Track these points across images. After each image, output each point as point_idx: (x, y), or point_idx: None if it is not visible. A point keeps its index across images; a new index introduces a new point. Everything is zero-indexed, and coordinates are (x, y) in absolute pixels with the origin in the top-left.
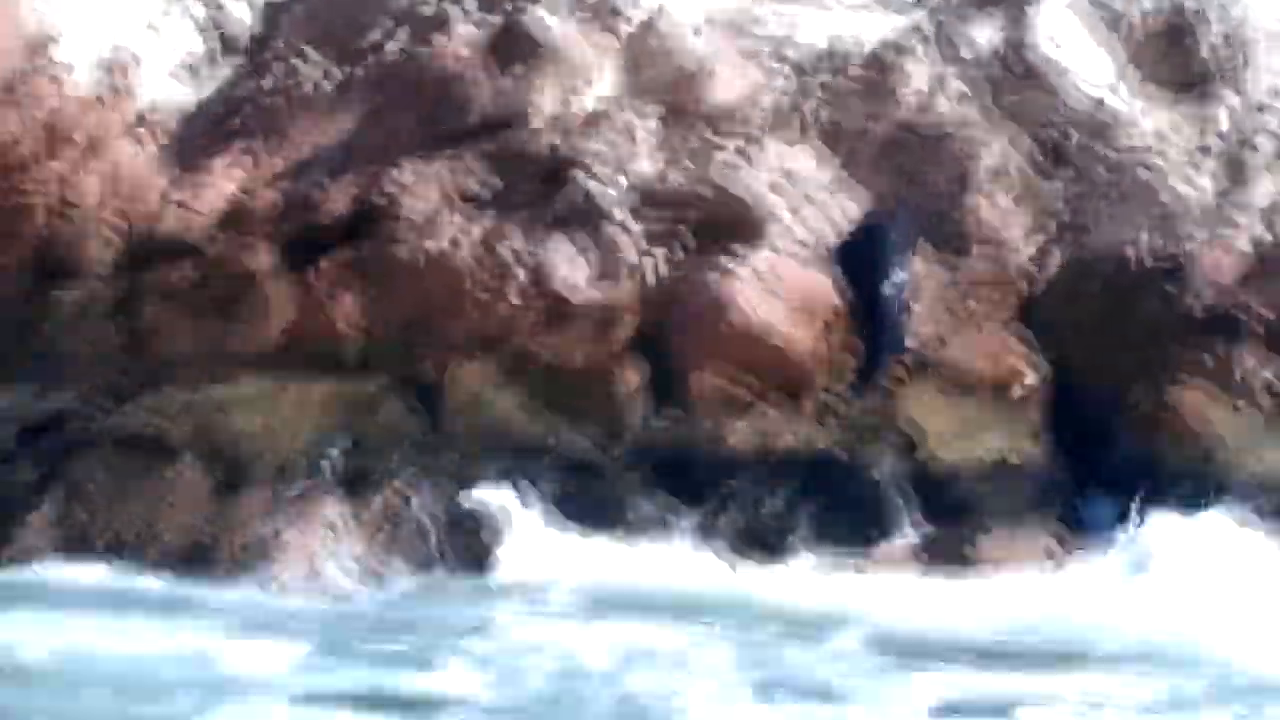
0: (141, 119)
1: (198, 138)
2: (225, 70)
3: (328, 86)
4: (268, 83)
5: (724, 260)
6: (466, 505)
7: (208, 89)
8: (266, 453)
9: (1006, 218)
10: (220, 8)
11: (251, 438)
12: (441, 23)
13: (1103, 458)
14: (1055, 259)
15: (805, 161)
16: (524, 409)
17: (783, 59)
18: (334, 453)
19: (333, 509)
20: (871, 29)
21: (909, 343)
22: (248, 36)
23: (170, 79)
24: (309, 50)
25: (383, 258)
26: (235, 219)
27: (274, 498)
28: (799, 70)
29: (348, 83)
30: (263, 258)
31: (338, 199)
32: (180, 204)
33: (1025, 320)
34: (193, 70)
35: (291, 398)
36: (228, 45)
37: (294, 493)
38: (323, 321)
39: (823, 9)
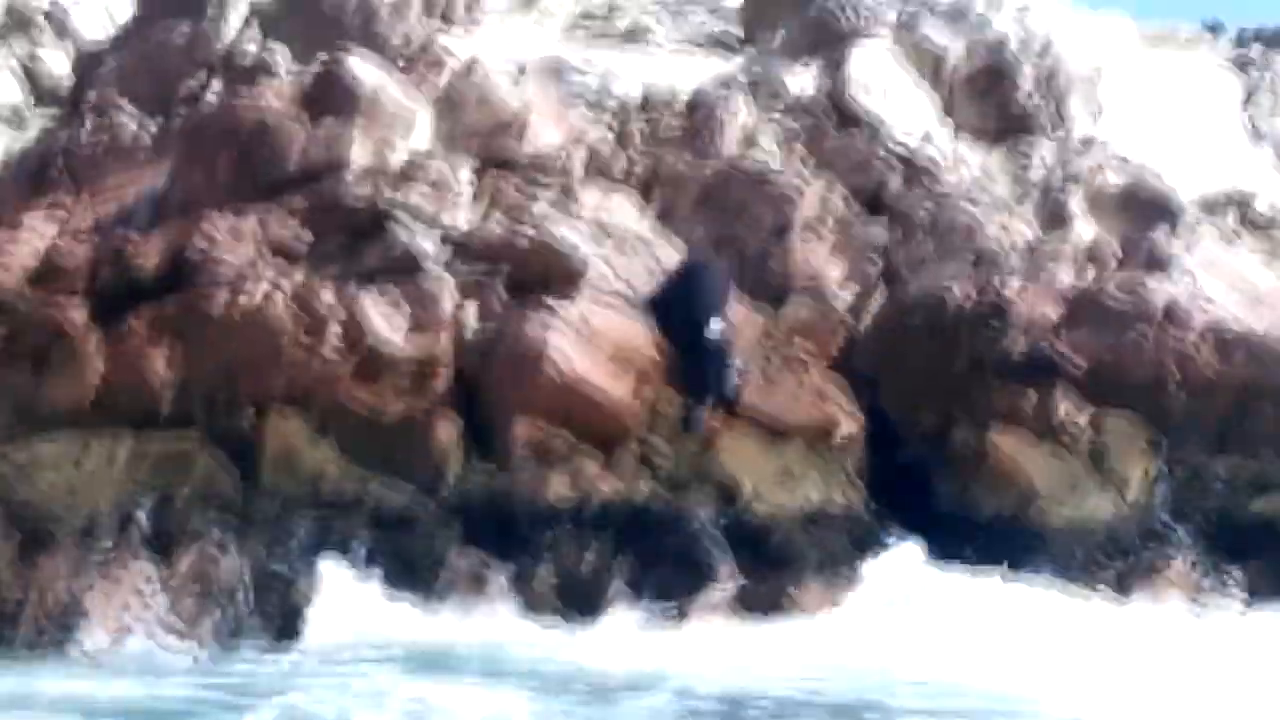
0: None
1: (11, 190)
2: (42, 120)
3: (144, 138)
4: (83, 134)
5: (539, 310)
6: (275, 566)
7: (24, 140)
8: (70, 513)
9: (826, 263)
10: (36, 57)
11: (54, 497)
12: (257, 72)
13: (920, 504)
14: (875, 303)
15: (624, 209)
16: (339, 462)
17: (601, 106)
18: (141, 513)
19: (140, 571)
20: (689, 76)
21: (730, 390)
22: (64, 87)
23: None
24: (123, 102)
25: (196, 311)
26: (47, 274)
27: (80, 560)
28: (618, 117)
29: (163, 134)
30: (74, 313)
31: (151, 252)
32: None
33: (846, 365)
34: (8, 120)
35: (96, 455)
36: (43, 96)
37: (99, 555)
38: (136, 376)
39: (645, 54)
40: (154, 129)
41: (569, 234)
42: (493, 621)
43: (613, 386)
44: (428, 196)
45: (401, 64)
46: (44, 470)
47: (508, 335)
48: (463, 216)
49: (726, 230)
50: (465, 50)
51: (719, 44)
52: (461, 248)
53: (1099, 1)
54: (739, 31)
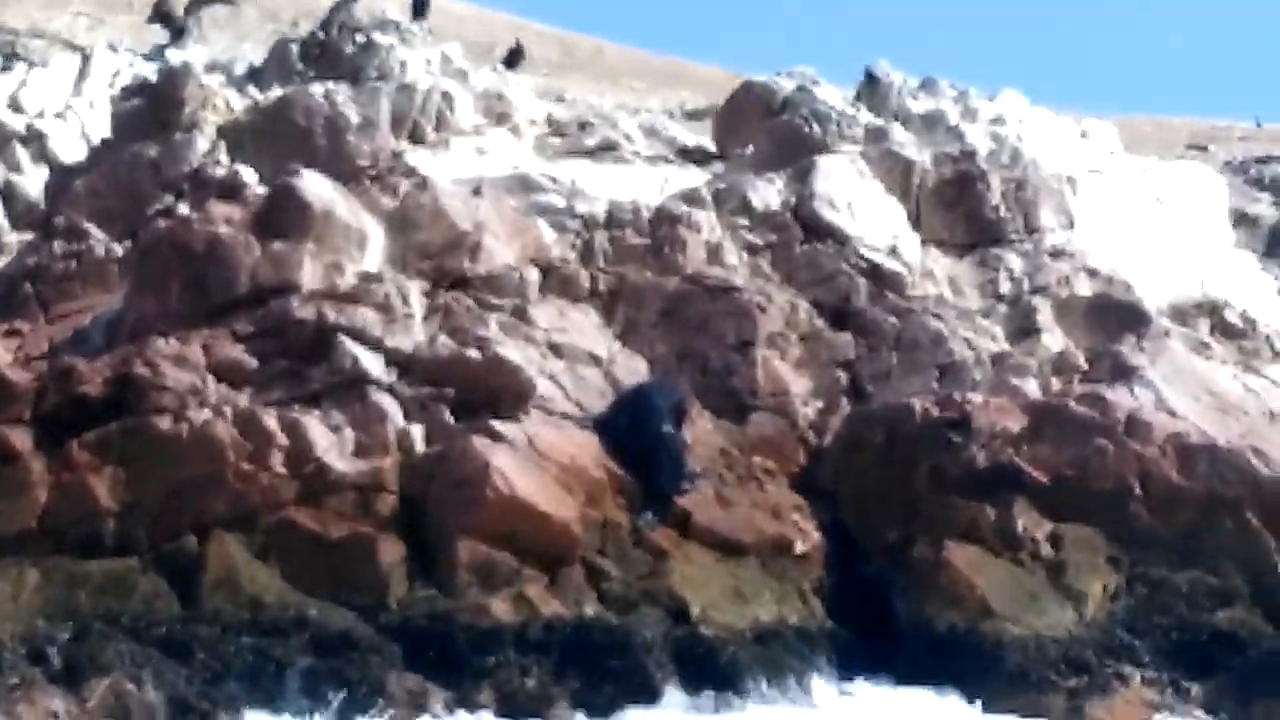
0: None
1: None
2: (19, 243)
3: (112, 259)
4: (52, 256)
5: (483, 432)
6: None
7: (6, 256)
8: None
9: (790, 377)
10: (12, 180)
11: None
12: (224, 192)
13: (879, 620)
14: (839, 417)
15: (583, 327)
16: (281, 586)
17: (563, 223)
18: (60, 639)
19: (54, 700)
20: (657, 190)
21: (687, 484)
22: (41, 209)
23: None
24: (91, 224)
25: (140, 435)
26: None
27: None
28: (581, 234)
29: (129, 255)
30: (18, 438)
31: (96, 377)
32: None
33: (809, 480)
34: None
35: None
36: (19, 218)
37: (11, 682)
38: (79, 502)
39: (615, 168)
40: (121, 250)
41: (516, 354)
42: None
43: (557, 506)
44: (376, 317)
45: (365, 183)
46: None
47: (451, 456)
48: (411, 337)
49: (689, 344)
50: (433, 168)
51: (691, 158)
52: (408, 368)
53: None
54: (712, 146)
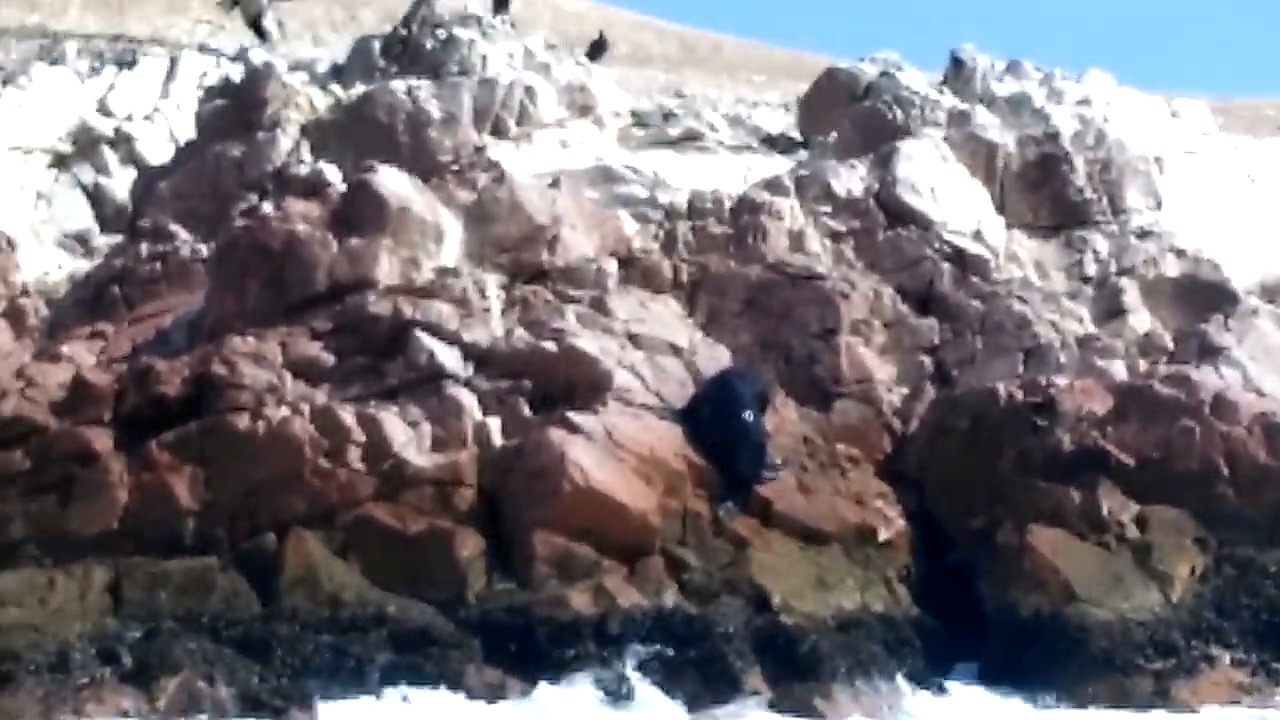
0: (25, 291)
1: (70, 316)
2: (108, 245)
3: (197, 260)
4: (138, 258)
5: (561, 423)
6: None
7: (97, 259)
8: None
9: (874, 364)
10: (102, 183)
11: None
12: (297, 190)
13: (965, 607)
14: (924, 403)
15: (663, 317)
16: (359, 582)
17: (645, 214)
18: (130, 638)
19: (125, 698)
20: (740, 179)
21: (768, 473)
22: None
23: (58, 249)
24: (177, 224)
25: (218, 434)
26: (73, 401)
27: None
28: (664, 224)
29: (209, 255)
30: (99, 440)
31: (175, 377)
32: (27, 383)
33: (894, 467)
34: (74, 247)
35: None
36: (108, 220)
37: (81, 682)
38: (159, 502)
39: (698, 158)
40: (206, 251)
41: (592, 346)
42: None
43: (635, 497)
44: (452, 311)
45: (434, 174)
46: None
47: (528, 449)
48: (488, 331)
49: (772, 333)
50: (515, 162)
51: (776, 146)
52: (485, 362)
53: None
54: (796, 134)
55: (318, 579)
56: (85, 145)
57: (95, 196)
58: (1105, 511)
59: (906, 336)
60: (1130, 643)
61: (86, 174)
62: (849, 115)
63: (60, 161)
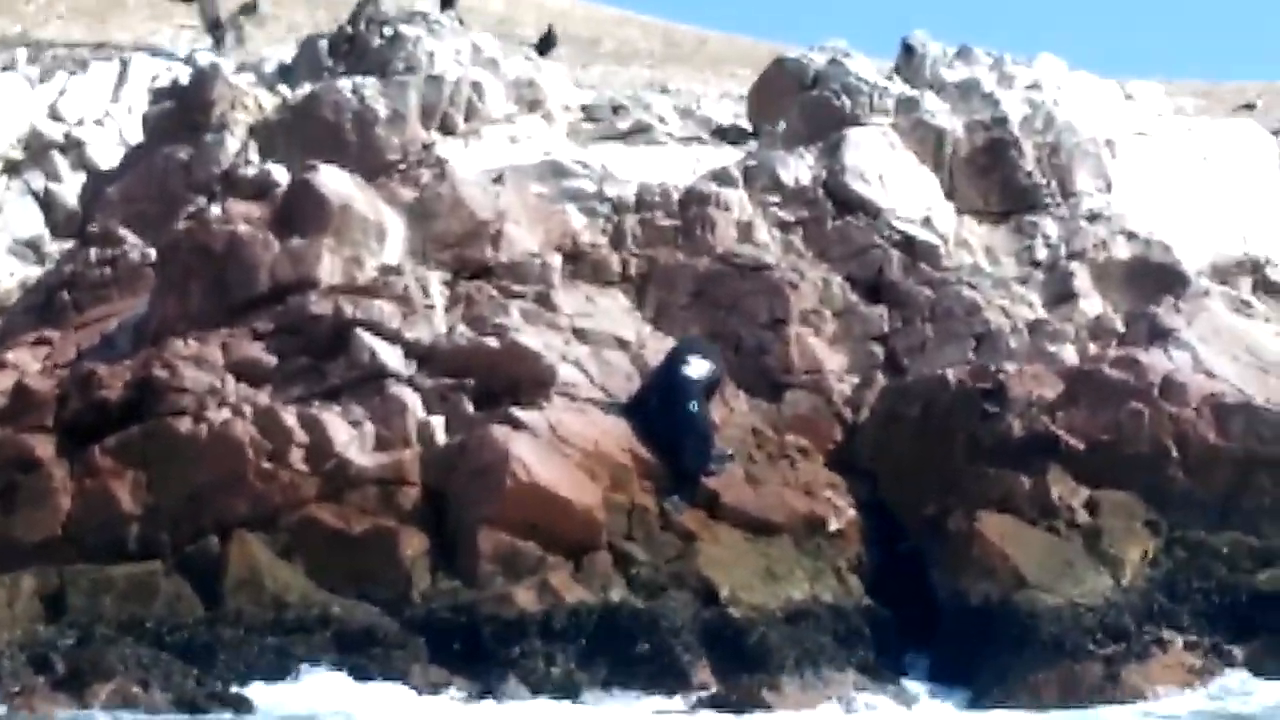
0: None
1: (20, 323)
2: (59, 248)
3: (146, 264)
4: (85, 264)
5: (506, 419)
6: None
7: (49, 265)
8: None
9: (825, 353)
10: (52, 189)
11: None
12: (245, 191)
13: (917, 596)
14: (876, 389)
15: (611, 311)
16: (304, 583)
17: (593, 208)
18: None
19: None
20: (689, 171)
21: (715, 465)
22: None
23: (9, 256)
24: (125, 229)
25: (160, 438)
26: (15, 408)
27: None
28: (610, 216)
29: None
30: (41, 446)
31: (117, 381)
32: None
33: (845, 457)
34: (33, 247)
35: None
36: (59, 226)
37: (12, 690)
38: (103, 507)
39: (648, 151)
40: (155, 255)
41: (536, 341)
42: None
43: (579, 492)
44: (393, 310)
45: (376, 172)
46: None
47: (471, 446)
48: (431, 328)
49: (721, 325)
50: (464, 158)
51: (726, 137)
52: (427, 360)
53: (1135, 69)
54: (747, 125)
55: (261, 581)
56: (36, 151)
57: (46, 202)
58: (1055, 497)
59: (857, 325)
60: (1080, 628)
61: (37, 180)
62: (797, 104)
63: (11, 168)
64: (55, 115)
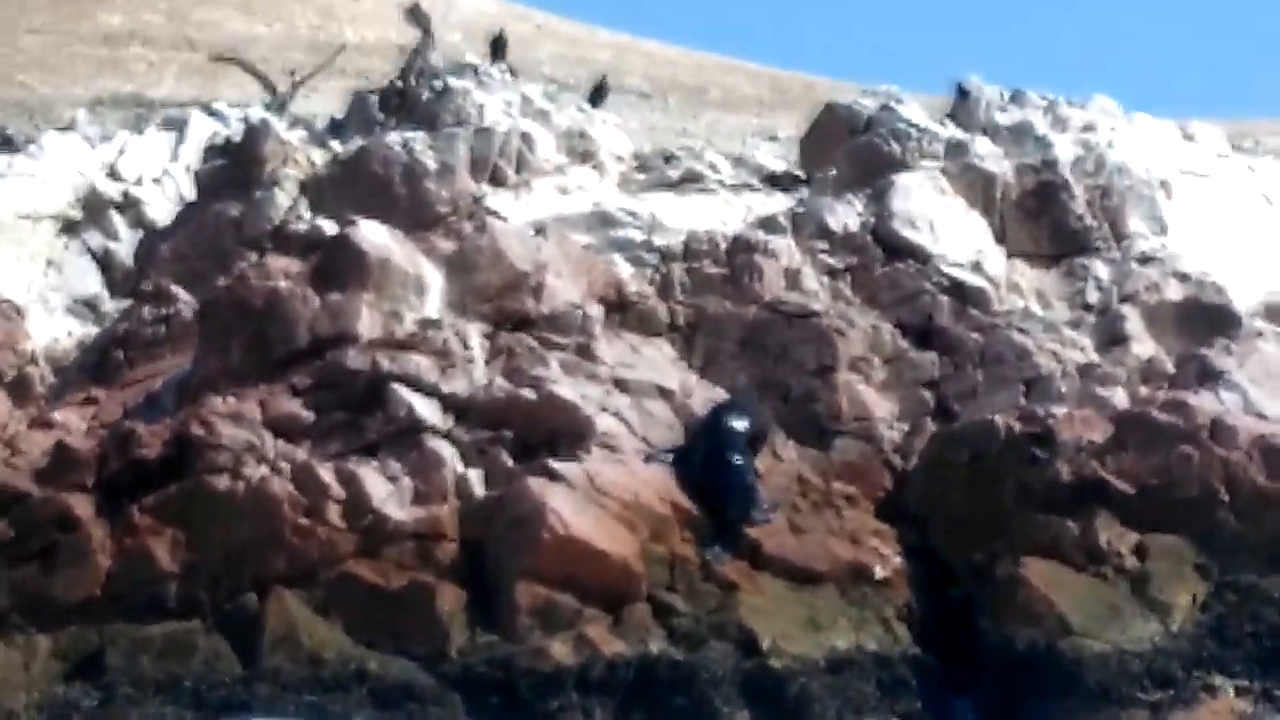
0: (33, 359)
1: (76, 383)
2: (115, 308)
3: (195, 321)
4: (139, 322)
5: (543, 470)
6: None
7: (107, 324)
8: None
9: (874, 401)
10: (110, 248)
11: None
12: (293, 246)
13: (967, 643)
14: (925, 435)
15: (656, 361)
16: (341, 640)
17: (640, 257)
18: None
19: None
20: (736, 219)
21: (759, 515)
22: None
23: (68, 315)
24: (175, 287)
25: (197, 496)
26: (56, 467)
27: None
28: (659, 266)
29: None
30: (83, 503)
31: (156, 440)
32: (12, 451)
33: (895, 505)
34: (90, 306)
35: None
36: (117, 285)
37: None
38: (141, 566)
39: (698, 200)
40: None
41: (573, 393)
42: None
43: (616, 544)
44: (430, 363)
45: (415, 225)
46: None
47: (508, 499)
48: (469, 381)
49: (769, 373)
50: (514, 210)
51: (778, 185)
52: (465, 413)
53: (1194, 110)
54: (799, 172)
55: (298, 638)
56: (93, 210)
57: (104, 261)
58: (1103, 542)
59: (906, 371)
60: (1127, 674)
61: (95, 239)
62: (846, 150)
63: (69, 227)
64: (114, 174)
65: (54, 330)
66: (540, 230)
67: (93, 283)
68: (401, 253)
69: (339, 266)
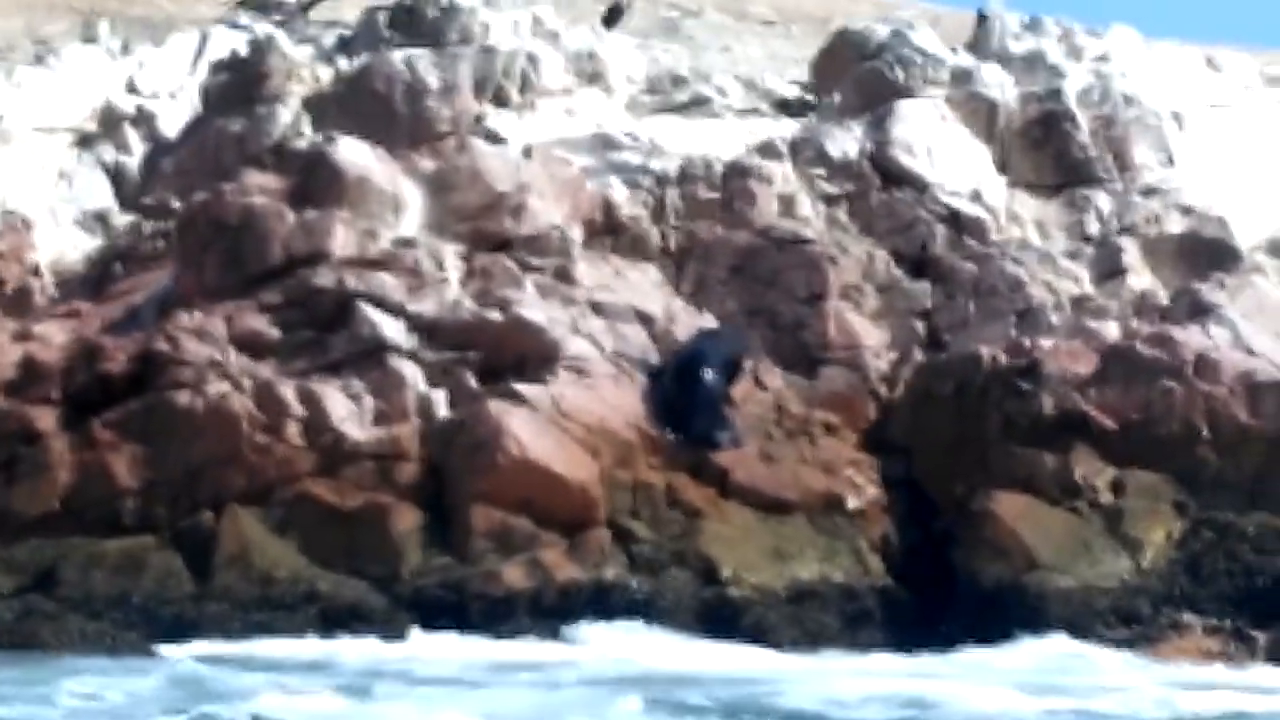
0: (36, 271)
1: (78, 296)
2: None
3: None
4: (139, 236)
5: (505, 393)
6: None
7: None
8: None
9: (864, 329)
10: (122, 161)
11: None
12: (293, 163)
13: (944, 578)
14: (912, 366)
15: (644, 282)
16: (295, 559)
17: (636, 180)
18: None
19: None
20: (739, 144)
21: (723, 434)
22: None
23: (77, 229)
24: (176, 201)
25: (158, 411)
26: (23, 381)
27: None
28: (653, 189)
29: None
30: (46, 416)
31: (123, 350)
32: None
33: (879, 435)
34: (100, 219)
35: None
36: (128, 199)
37: None
38: (100, 481)
39: (705, 124)
40: None
41: (540, 315)
42: None
43: (575, 468)
44: (397, 283)
45: (396, 144)
46: None
47: (468, 421)
48: (438, 302)
49: (759, 300)
50: (516, 130)
51: (789, 110)
52: (432, 334)
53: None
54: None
55: (250, 557)
56: (108, 124)
57: (116, 175)
58: (1079, 476)
59: (900, 301)
60: (1091, 610)
61: (108, 153)
62: (852, 76)
63: (84, 141)
64: (132, 88)
65: (61, 244)
66: (527, 151)
67: (104, 197)
68: (381, 171)
69: (317, 184)
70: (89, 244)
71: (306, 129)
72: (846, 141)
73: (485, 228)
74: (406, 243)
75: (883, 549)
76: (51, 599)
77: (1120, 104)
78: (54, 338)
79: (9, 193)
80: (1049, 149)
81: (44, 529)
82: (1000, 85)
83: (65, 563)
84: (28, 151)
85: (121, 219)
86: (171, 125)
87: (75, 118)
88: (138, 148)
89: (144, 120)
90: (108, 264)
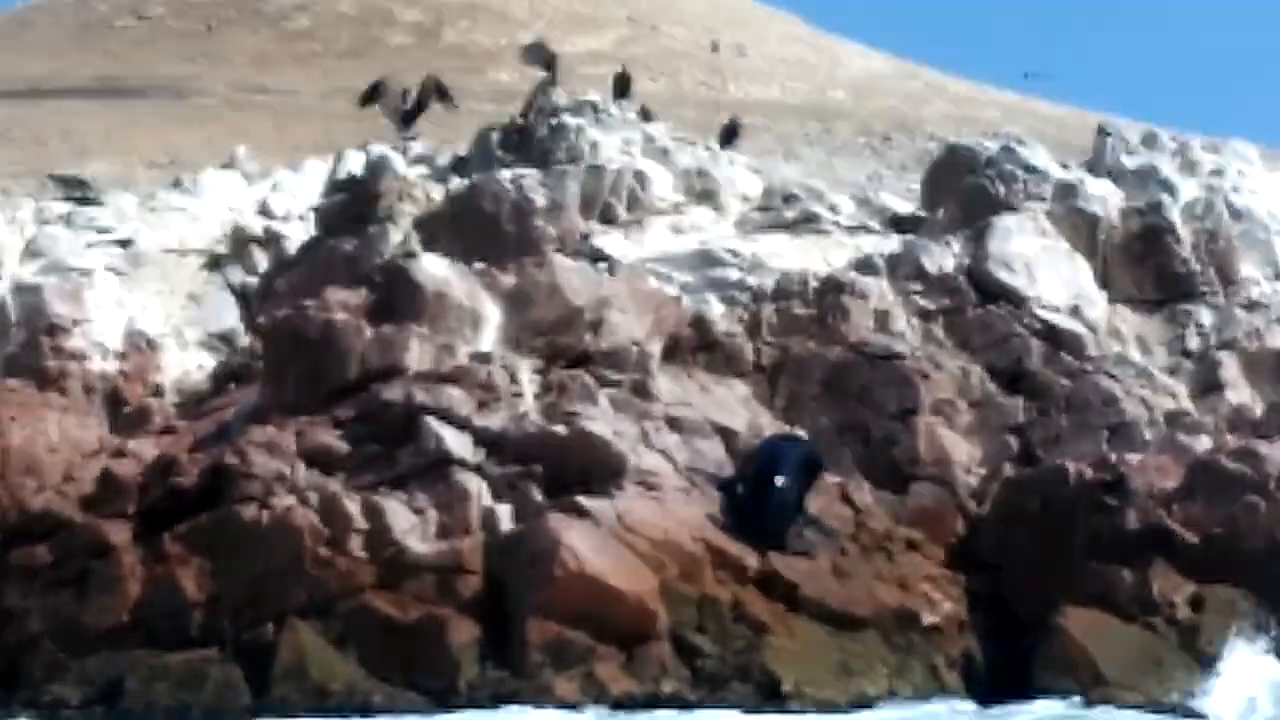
0: (158, 391)
1: (196, 413)
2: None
3: None
4: (252, 357)
5: (568, 507)
6: None
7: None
8: None
9: (956, 445)
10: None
11: None
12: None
13: (1016, 692)
14: (1001, 481)
15: (730, 397)
16: (352, 672)
17: (733, 296)
18: None
19: None
20: (839, 260)
21: (795, 539)
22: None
23: (202, 350)
24: None
25: (226, 525)
26: (99, 496)
27: None
28: (749, 305)
29: None
30: (121, 530)
31: (196, 465)
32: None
33: (967, 547)
34: (226, 340)
35: None
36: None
37: None
38: (169, 595)
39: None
40: None
41: (605, 429)
42: None
43: (632, 581)
44: (465, 397)
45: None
46: None
47: (528, 534)
48: (507, 416)
49: (851, 415)
50: (622, 248)
51: (900, 226)
52: (498, 448)
53: None
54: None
55: (307, 668)
56: (238, 246)
57: (243, 296)
58: (1156, 591)
59: (993, 416)
60: None
61: (236, 274)
62: (956, 191)
63: (214, 263)
64: (264, 211)
65: (187, 364)
66: (610, 267)
67: (230, 318)
68: (460, 286)
69: (396, 299)
70: (214, 364)
71: (416, 248)
72: (944, 256)
73: (562, 342)
74: (482, 357)
75: (962, 666)
76: (115, 712)
77: (1226, 218)
78: (145, 454)
79: (139, 314)
80: (1150, 263)
81: (114, 642)
82: (1103, 199)
83: (131, 675)
84: (159, 273)
85: (245, 339)
86: (297, 246)
87: (207, 240)
88: (265, 269)
89: (272, 241)
90: (223, 383)
